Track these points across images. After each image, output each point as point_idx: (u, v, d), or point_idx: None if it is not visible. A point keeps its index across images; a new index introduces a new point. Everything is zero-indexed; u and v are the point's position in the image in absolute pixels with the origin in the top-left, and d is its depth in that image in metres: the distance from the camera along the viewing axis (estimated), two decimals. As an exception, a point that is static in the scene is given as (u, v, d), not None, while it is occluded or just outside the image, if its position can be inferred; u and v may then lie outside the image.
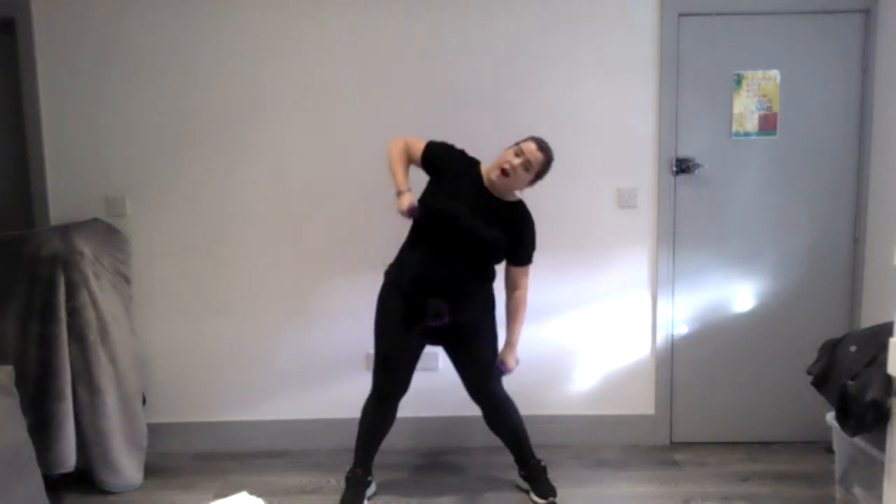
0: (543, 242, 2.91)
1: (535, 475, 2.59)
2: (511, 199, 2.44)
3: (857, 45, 2.90)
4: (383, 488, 2.69)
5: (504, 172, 2.32)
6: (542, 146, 2.36)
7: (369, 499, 2.58)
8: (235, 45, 2.92)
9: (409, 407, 2.57)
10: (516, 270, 2.50)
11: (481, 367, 2.49)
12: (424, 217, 2.36)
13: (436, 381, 2.96)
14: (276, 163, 2.97)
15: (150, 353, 3.02)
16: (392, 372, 2.45)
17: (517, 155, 2.32)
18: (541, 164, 2.36)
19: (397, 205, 2.34)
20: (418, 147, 2.44)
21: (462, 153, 2.47)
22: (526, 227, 2.47)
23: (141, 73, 2.92)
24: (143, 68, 2.92)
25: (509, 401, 2.55)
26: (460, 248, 2.35)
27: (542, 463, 2.62)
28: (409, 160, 2.44)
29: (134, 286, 2.95)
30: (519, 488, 2.67)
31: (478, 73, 2.92)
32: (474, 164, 2.46)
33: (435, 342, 2.49)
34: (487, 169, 2.41)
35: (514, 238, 2.43)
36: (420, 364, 2.52)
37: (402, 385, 2.48)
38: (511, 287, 2.51)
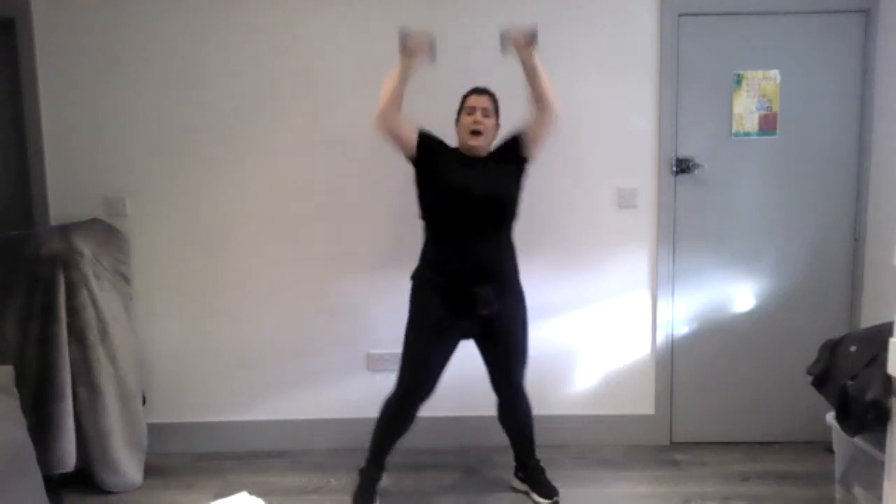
0: (544, 242, 2.93)
1: (535, 476, 2.59)
2: (490, 151, 2.49)
3: (857, 45, 2.90)
4: (382, 489, 2.68)
5: (476, 133, 2.39)
6: (479, 90, 2.46)
7: (380, 494, 2.57)
8: (235, 44, 2.92)
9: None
10: (526, 125, 2.44)
11: (514, 360, 2.47)
12: (439, 206, 2.37)
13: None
14: (276, 162, 2.97)
15: (150, 353, 3.03)
16: (422, 375, 2.42)
17: (471, 113, 2.41)
18: (492, 103, 2.46)
19: (412, 47, 2.29)
20: (409, 126, 2.40)
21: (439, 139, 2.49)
22: (499, 145, 2.49)
23: (141, 72, 2.93)
24: (142, 68, 2.92)
25: (528, 399, 2.53)
26: (484, 221, 2.33)
27: (541, 463, 2.62)
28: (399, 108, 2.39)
29: (134, 286, 2.96)
30: (514, 490, 2.66)
31: (478, 73, 2.91)
32: (448, 145, 2.50)
33: (470, 336, 2.45)
34: (460, 144, 2.48)
35: (505, 157, 2.44)
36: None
37: (429, 388, 2.44)
38: (541, 113, 2.42)
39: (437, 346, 2.41)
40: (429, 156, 2.40)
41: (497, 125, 2.48)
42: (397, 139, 2.38)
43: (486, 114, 2.41)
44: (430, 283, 2.41)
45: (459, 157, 2.44)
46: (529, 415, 2.56)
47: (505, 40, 2.34)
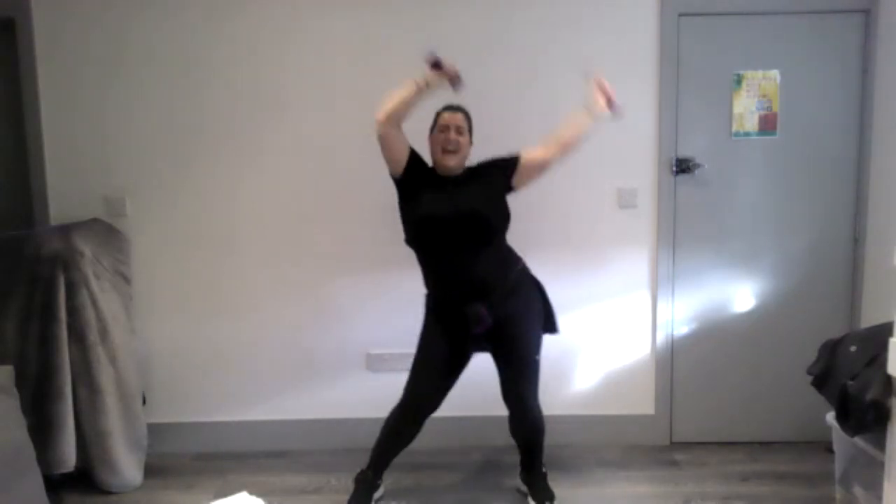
0: (543, 242, 2.93)
1: (535, 481, 2.56)
2: (463, 170, 2.43)
3: (857, 45, 2.90)
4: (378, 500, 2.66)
5: (450, 152, 2.35)
6: (453, 107, 2.42)
7: (377, 501, 2.56)
8: (236, 44, 2.92)
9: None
10: (527, 160, 2.39)
11: (518, 364, 2.40)
12: (415, 234, 2.36)
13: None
14: (276, 163, 2.97)
15: (150, 353, 3.02)
16: (423, 390, 2.43)
17: (443, 131, 2.36)
18: (466, 121, 2.41)
19: (447, 67, 2.26)
20: (405, 140, 2.37)
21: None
22: (486, 162, 2.45)
23: (141, 72, 2.93)
24: (143, 68, 2.92)
25: (539, 416, 2.45)
26: (461, 241, 2.30)
27: (544, 470, 2.60)
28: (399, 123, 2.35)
29: (134, 286, 2.95)
30: (519, 491, 2.66)
31: (479, 74, 2.91)
32: (428, 166, 2.47)
33: (483, 348, 2.45)
34: (433, 161, 2.43)
35: (490, 175, 2.40)
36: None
37: (431, 403, 2.45)
38: (548, 159, 2.41)
39: (439, 364, 2.42)
40: (414, 178, 2.38)
41: (470, 143, 2.43)
42: (392, 146, 2.33)
43: (459, 132, 2.36)
44: (431, 306, 2.46)
45: (434, 181, 2.39)
46: (537, 431, 2.48)
47: (589, 77, 2.40)
